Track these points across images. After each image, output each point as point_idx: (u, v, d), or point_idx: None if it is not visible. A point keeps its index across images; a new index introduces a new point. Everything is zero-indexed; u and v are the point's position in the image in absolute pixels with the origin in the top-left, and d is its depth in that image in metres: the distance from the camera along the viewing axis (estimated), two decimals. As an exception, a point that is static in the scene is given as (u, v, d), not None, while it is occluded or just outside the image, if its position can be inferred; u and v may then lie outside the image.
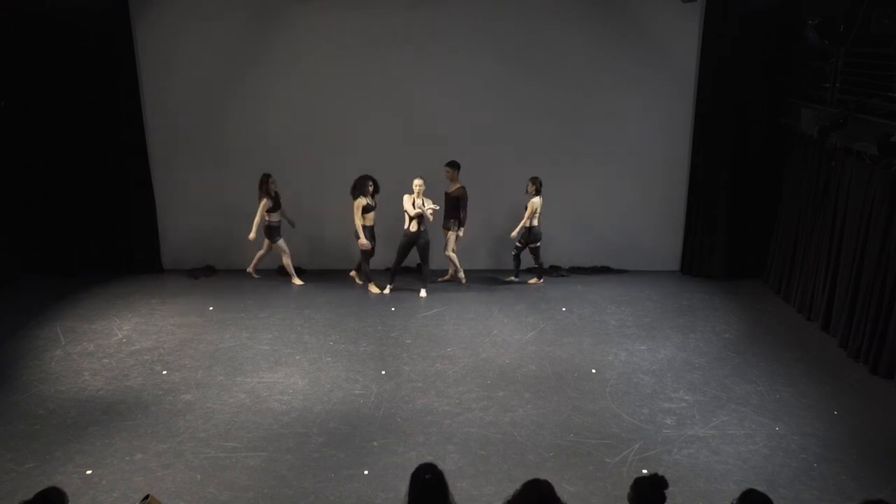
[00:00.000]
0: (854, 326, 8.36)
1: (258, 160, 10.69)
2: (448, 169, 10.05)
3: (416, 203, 9.76)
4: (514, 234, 10.25)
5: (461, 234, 10.28)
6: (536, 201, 10.08)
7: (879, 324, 7.90)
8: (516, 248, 10.44)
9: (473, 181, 10.19)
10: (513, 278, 10.62)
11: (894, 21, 7.35)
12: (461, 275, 10.46)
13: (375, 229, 10.15)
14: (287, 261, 10.49)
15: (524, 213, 10.15)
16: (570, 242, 11.08)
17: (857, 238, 8.36)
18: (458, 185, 10.10)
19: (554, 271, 11.07)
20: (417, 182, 9.73)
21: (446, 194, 10.13)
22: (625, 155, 10.72)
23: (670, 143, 10.68)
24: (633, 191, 10.85)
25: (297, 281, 10.54)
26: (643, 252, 11.10)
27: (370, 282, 10.35)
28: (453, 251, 10.31)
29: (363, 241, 9.91)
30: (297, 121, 10.59)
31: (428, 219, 9.80)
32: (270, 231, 10.30)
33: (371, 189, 9.90)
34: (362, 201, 9.86)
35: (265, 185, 10.09)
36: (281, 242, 10.37)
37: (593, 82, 10.48)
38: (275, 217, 10.25)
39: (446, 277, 10.60)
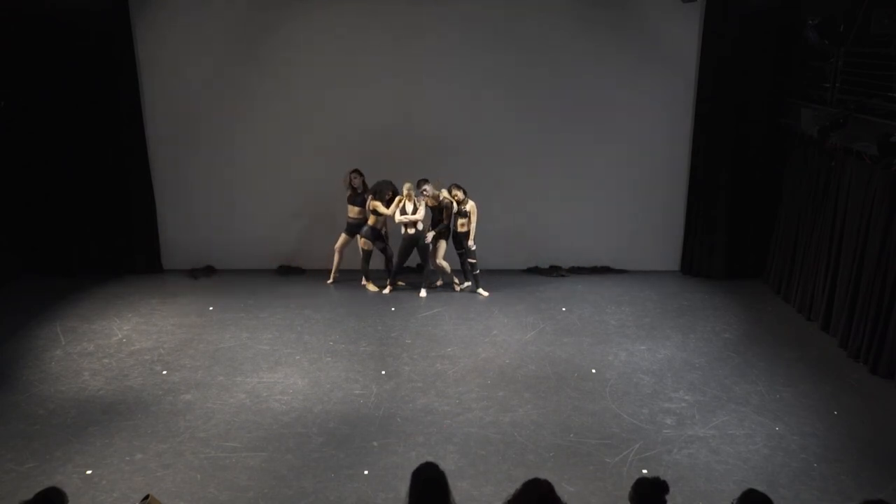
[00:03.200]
0: (854, 326, 8.36)
1: (258, 159, 10.71)
2: (429, 187, 9.79)
3: (405, 206, 9.78)
4: (471, 242, 9.96)
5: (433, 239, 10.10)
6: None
7: (879, 324, 7.90)
8: (462, 254, 10.18)
9: (473, 180, 10.17)
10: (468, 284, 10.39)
11: (894, 21, 7.35)
12: (455, 280, 10.35)
13: (382, 231, 10.23)
14: (338, 258, 10.43)
15: (468, 220, 9.86)
16: (570, 242, 11.08)
17: (857, 238, 8.36)
18: (441, 197, 9.89)
19: (554, 271, 11.07)
20: (407, 186, 9.75)
21: (432, 208, 9.98)
22: (625, 154, 10.71)
23: (670, 142, 10.68)
24: (632, 190, 10.84)
25: (330, 280, 10.54)
26: (643, 252, 11.09)
27: (368, 280, 10.37)
28: (443, 259, 10.21)
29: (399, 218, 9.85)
30: (297, 119, 10.58)
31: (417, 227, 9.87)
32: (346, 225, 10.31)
33: (388, 196, 9.95)
34: (377, 204, 9.90)
35: (345, 180, 10.11)
36: (343, 238, 10.35)
37: (593, 82, 10.48)
38: (352, 212, 10.20)
39: (438, 283, 10.49)
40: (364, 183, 10.09)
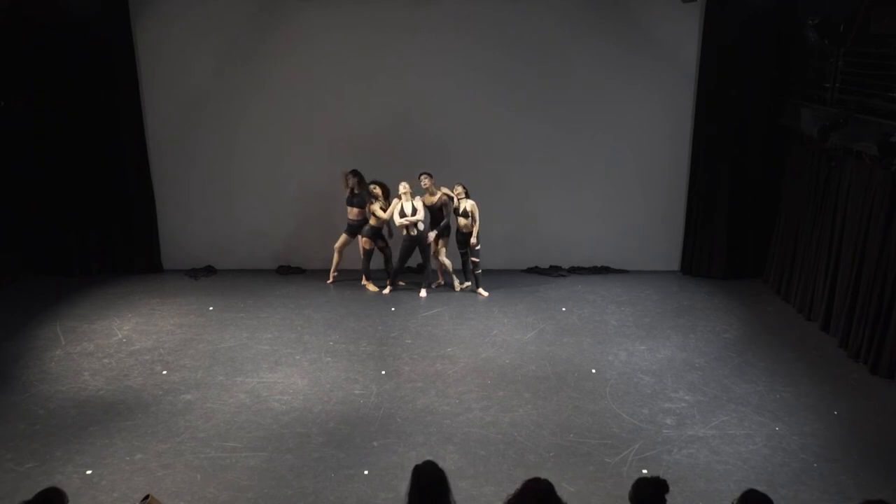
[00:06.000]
0: (854, 326, 8.36)
1: (258, 159, 10.71)
2: (426, 177, 9.78)
3: (403, 207, 9.74)
4: (474, 240, 9.93)
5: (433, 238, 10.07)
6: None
7: (879, 324, 7.89)
8: (464, 255, 10.17)
9: (473, 180, 10.15)
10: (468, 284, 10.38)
11: (894, 21, 7.35)
12: (456, 280, 10.35)
13: (383, 231, 10.21)
14: (337, 258, 10.44)
15: (470, 221, 9.84)
16: (570, 242, 11.08)
17: (857, 238, 8.35)
18: (440, 194, 9.90)
19: (554, 271, 11.07)
20: (404, 186, 9.72)
21: (428, 206, 9.92)
22: (625, 154, 10.72)
23: (670, 142, 10.68)
24: (633, 190, 10.84)
25: (330, 280, 10.56)
26: (643, 252, 11.09)
27: (368, 280, 10.37)
28: (445, 257, 10.21)
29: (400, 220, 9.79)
30: (297, 119, 10.58)
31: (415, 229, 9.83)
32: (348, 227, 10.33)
33: (376, 191, 9.93)
34: (375, 209, 9.90)
35: (343, 181, 10.14)
36: (343, 238, 10.36)
37: (593, 82, 10.48)
38: (351, 213, 10.20)
39: (439, 282, 10.48)
40: (359, 183, 10.07)
